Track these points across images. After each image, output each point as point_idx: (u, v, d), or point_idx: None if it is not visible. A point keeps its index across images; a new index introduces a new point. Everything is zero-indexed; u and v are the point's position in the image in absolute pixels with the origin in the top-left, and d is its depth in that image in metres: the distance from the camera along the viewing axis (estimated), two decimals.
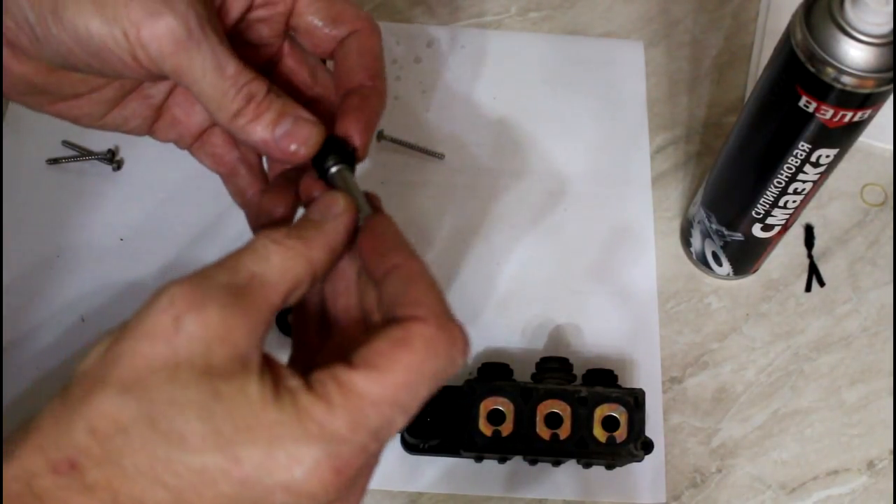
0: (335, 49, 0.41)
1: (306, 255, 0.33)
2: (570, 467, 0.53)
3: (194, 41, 0.34)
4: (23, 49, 0.36)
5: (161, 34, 0.34)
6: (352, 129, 0.38)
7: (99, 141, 0.61)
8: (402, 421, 0.32)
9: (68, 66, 0.36)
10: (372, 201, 0.37)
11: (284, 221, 0.40)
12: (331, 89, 0.42)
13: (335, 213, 0.35)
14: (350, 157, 0.38)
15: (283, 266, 0.32)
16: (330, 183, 0.37)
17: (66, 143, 0.60)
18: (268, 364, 0.31)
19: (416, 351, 0.31)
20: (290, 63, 0.42)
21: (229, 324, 0.30)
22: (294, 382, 0.31)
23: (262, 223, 0.40)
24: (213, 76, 0.35)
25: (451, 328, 0.32)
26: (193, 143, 0.43)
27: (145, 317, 0.30)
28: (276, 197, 0.39)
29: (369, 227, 0.36)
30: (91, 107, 0.40)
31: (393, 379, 0.31)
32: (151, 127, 0.42)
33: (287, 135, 0.36)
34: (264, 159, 0.44)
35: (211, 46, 0.35)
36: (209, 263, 0.32)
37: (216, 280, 0.31)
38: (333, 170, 0.37)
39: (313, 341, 0.38)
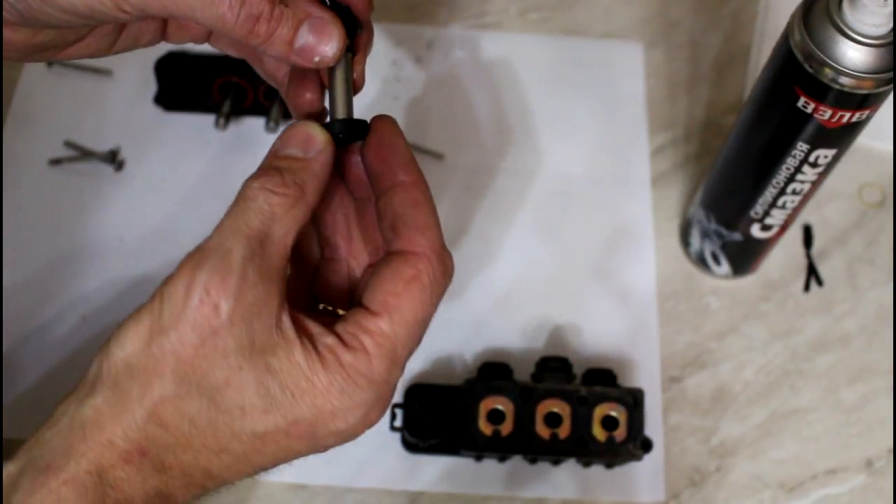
0: None
1: (303, 200, 0.34)
2: (570, 466, 0.53)
3: None
4: (11, 23, 0.36)
5: None
6: None
7: (101, 141, 0.61)
8: (417, 347, 0.35)
9: (61, 27, 0.36)
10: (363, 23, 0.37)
11: (314, 104, 0.40)
12: None
13: (318, 148, 0.35)
14: (353, 25, 0.37)
15: (286, 218, 0.33)
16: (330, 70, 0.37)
17: (68, 144, 0.61)
18: (297, 323, 0.33)
19: (424, 287, 0.34)
20: None
21: (262, 299, 0.32)
22: (330, 340, 0.33)
23: (295, 110, 0.40)
24: (203, 5, 0.33)
25: (447, 260, 0.35)
26: (209, 38, 0.43)
27: (184, 310, 0.32)
28: (300, 85, 0.39)
29: (376, 133, 0.36)
30: (98, 42, 0.40)
31: (412, 316, 0.34)
32: (163, 35, 0.42)
33: (307, 47, 0.35)
34: None
35: None
36: (216, 230, 0.33)
37: (236, 256, 0.32)
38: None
39: (310, 262, 0.40)
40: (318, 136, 0.35)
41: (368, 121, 0.37)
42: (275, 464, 0.34)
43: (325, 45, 0.35)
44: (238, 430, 0.32)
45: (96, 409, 0.32)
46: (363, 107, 0.67)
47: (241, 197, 0.33)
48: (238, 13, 0.33)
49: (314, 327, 0.34)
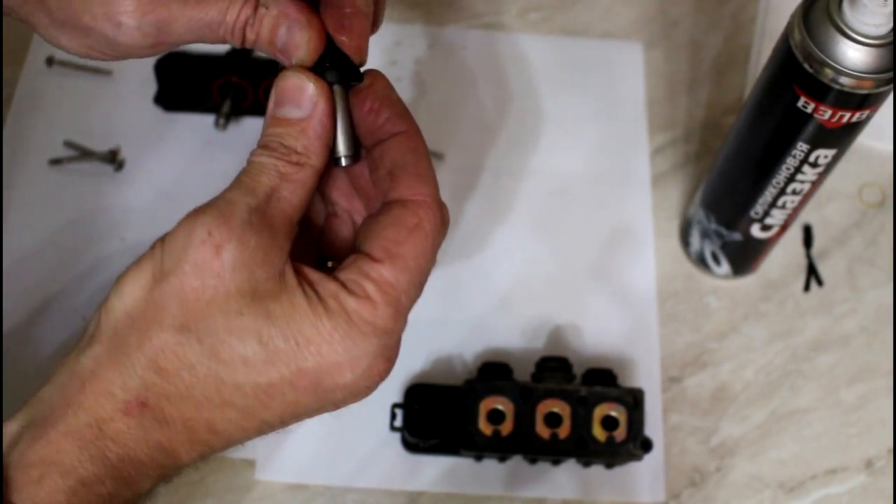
0: None
1: (309, 165, 0.34)
2: (570, 466, 0.53)
3: (167, 31, 0.34)
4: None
5: (135, 37, 0.34)
6: (342, 34, 0.36)
7: (101, 141, 0.61)
8: (418, 295, 0.35)
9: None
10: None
11: None
12: None
13: (312, 100, 0.34)
14: (349, 67, 0.37)
15: (296, 177, 0.34)
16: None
17: (68, 144, 0.60)
18: (298, 272, 0.33)
19: (427, 235, 0.34)
20: None
21: (265, 247, 0.32)
22: (332, 286, 0.33)
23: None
24: (211, 31, 0.35)
25: (445, 211, 0.35)
26: None
27: (185, 252, 0.31)
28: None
29: (370, 87, 0.36)
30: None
31: (415, 264, 0.33)
32: None
33: (286, 45, 0.35)
34: None
35: (186, 13, 0.34)
36: (225, 189, 0.33)
37: (242, 205, 0.32)
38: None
39: (316, 222, 0.40)
40: (307, 86, 0.34)
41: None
42: (282, 421, 0.33)
43: (299, 44, 0.35)
44: (242, 383, 0.32)
45: (95, 359, 0.32)
46: None
47: (248, 163, 0.34)
48: (233, 29, 0.35)
49: (314, 275, 0.33)
